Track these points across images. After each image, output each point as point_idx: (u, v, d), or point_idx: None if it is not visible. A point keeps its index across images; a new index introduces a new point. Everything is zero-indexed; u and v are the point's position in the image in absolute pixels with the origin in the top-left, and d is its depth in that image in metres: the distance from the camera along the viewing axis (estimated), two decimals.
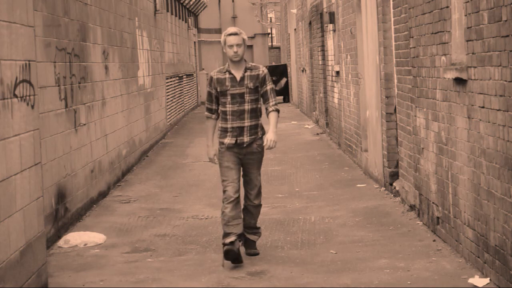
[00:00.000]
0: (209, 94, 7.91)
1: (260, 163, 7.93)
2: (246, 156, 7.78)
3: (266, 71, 7.87)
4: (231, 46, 7.71)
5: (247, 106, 7.75)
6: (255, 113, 7.80)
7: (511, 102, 5.89)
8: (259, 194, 7.94)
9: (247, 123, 7.76)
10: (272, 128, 7.78)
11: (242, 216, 7.87)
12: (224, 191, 7.68)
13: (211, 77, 7.85)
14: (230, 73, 7.78)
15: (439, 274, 7.03)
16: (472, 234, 7.06)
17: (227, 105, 7.75)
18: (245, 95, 7.75)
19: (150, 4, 19.47)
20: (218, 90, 7.79)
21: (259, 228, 8.12)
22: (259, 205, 7.97)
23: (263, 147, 7.81)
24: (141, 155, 16.29)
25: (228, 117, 7.76)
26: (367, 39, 12.21)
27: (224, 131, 7.79)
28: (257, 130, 7.83)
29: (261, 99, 7.88)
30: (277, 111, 7.84)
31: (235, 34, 7.74)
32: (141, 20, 17.44)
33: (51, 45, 9.33)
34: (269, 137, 7.72)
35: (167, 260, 8.04)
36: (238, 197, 7.67)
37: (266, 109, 7.87)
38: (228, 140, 7.75)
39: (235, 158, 7.76)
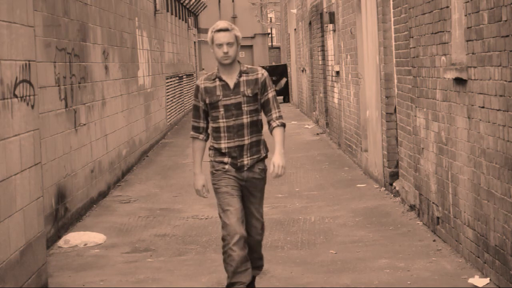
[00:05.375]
0: (196, 108, 6.27)
1: (263, 192, 6.40)
2: (247, 183, 6.26)
3: (266, 74, 6.30)
4: (220, 45, 6.11)
5: (246, 119, 6.18)
6: (256, 127, 6.25)
7: (511, 102, 5.89)
8: (262, 229, 6.42)
9: (247, 140, 6.20)
10: (279, 149, 6.19)
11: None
12: (226, 225, 6.09)
13: (198, 87, 6.25)
14: (220, 79, 6.19)
15: (439, 274, 7.03)
16: (472, 234, 7.06)
17: (220, 120, 6.18)
18: (243, 105, 6.17)
19: (150, 4, 19.47)
20: (208, 102, 6.19)
21: (262, 258, 6.60)
22: (262, 239, 6.50)
23: (266, 171, 6.35)
24: (141, 155, 16.29)
25: (222, 135, 6.20)
26: (367, 39, 12.21)
27: (217, 152, 6.26)
28: (259, 148, 6.29)
29: (262, 109, 6.34)
30: (283, 125, 6.28)
31: (226, 30, 6.12)
32: (141, 20, 17.44)
33: (51, 45, 9.33)
34: (276, 161, 6.13)
35: (167, 260, 8.04)
36: (245, 233, 6.16)
37: (269, 123, 6.31)
38: (227, 159, 6.23)
39: (235, 183, 6.23)
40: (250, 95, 6.19)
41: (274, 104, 6.29)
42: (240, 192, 6.24)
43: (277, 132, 6.23)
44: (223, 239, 6.08)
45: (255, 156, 6.24)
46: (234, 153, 6.19)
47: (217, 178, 6.24)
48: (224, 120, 6.18)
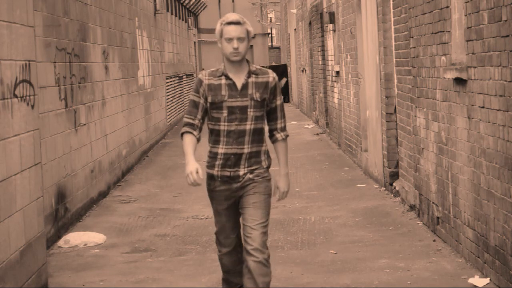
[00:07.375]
0: (194, 104, 5.61)
1: (265, 196, 5.65)
2: (244, 190, 5.62)
3: (276, 78, 5.68)
4: (229, 39, 5.48)
5: (249, 125, 5.55)
6: (259, 136, 5.61)
7: (511, 102, 5.89)
8: (262, 242, 5.63)
9: (246, 149, 5.56)
10: (284, 170, 5.73)
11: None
12: (217, 237, 5.88)
13: (201, 81, 5.60)
14: (227, 77, 5.57)
15: (439, 274, 7.03)
16: (472, 234, 7.06)
17: (222, 123, 5.55)
18: (248, 109, 5.54)
19: (150, 4, 19.47)
20: (210, 100, 5.55)
21: None
22: (265, 264, 5.59)
23: (270, 180, 5.71)
24: (141, 155, 16.29)
25: (221, 139, 5.56)
26: (367, 39, 12.21)
27: (213, 157, 5.63)
28: (260, 160, 5.64)
29: (266, 116, 5.71)
30: (287, 138, 5.77)
31: (237, 23, 5.47)
32: (141, 20, 17.44)
33: (51, 45, 9.33)
34: (281, 186, 5.72)
35: (167, 260, 8.04)
36: (237, 246, 5.88)
37: (272, 133, 5.73)
38: (217, 172, 5.61)
39: (226, 202, 5.69)
40: (259, 99, 5.56)
41: (281, 112, 5.71)
42: (234, 208, 5.72)
43: (281, 147, 5.72)
44: (216, 243, 5.97)
45: (253, 167, 5.61)
46: (229, 161, 5.57)
47: (209, 194, 5.77)
48: (226, 123, 5.55)
